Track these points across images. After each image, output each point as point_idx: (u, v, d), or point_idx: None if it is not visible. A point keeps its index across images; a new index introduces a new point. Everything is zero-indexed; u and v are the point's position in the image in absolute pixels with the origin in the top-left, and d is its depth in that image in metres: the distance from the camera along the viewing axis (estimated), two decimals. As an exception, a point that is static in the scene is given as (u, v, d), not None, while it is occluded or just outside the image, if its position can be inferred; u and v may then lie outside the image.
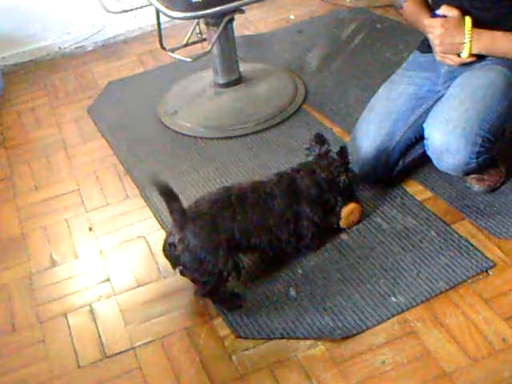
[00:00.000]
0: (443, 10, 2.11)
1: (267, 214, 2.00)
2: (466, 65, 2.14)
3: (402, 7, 2.34)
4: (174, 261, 1.98)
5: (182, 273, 2.05)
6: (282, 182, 2.07)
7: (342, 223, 2.20)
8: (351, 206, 2.19)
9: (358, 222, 2.24)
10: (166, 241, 1.99)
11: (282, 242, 2.06)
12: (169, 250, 1.96)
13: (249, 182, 2.09)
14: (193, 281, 1.99)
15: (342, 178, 2.10)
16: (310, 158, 2.15)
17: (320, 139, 2.15)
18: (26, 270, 2.29)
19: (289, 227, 2.05)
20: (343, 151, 2.13)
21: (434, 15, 2.16)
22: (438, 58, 2.17)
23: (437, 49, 2.13)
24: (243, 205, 1.97)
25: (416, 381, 1.72)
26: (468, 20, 2.06)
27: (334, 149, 2.15)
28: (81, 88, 3.48)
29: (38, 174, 2.81)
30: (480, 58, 2.12)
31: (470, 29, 2.05)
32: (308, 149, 2.17)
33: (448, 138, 2.04)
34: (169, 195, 1.87)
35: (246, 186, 2.05)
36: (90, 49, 3.88)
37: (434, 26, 2.10)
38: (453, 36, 2.07)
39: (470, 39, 2.06)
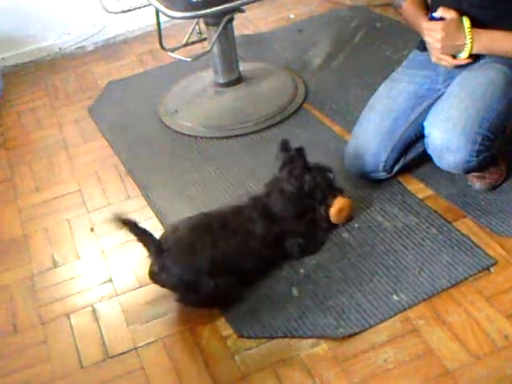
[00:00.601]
0: (440, 12, 2.10)
1: (249, 238, 2.02)
2: (464, 64, 2.14)
3: (400, 6, 2.34)
4: (162, 287, 2.02)
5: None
6: (257, 206, 2.08)
7: (334, 219, 2.20)
8: (340, 202, 2.18)
9: (350, 217, 2.24)
10: (150, 269, 2.00)
11: (267, 263, 2.08)
12: (154, 277, 2.00)
13: (228, 207, 2.11)
14: (188, 304, 2.03)
15: (307, 180, 2.09)
16: (279, 167, 2.15)
17: (283, 146, 2.16)
18: (28, 271, 2.29)
19: (273, 249, 2.07)
20: (300, 152, 2.12)
21: (431, 18, 2.15)
22: (433, 59, 2.17)
23: (438, 52, 2.12)
24: (225, 230, 2.00)
25: (418, 379, 1.72)
26: (466, 20, 2.06)
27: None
28: (81, 88, 3.48)
29: (38, 175, 2.81)
30: (478, 57, 2.12)
31: (469, 29, 2.05)
32: (276, 156, 2.17)
33: (448, 137, 2.04)
34: (137, 230, 1.92)
35: (226, 211, 2.07)
36: (90, 49, 3.88)
37: (435, 30, 2.09)
38: (454, 39, 2.07)
39: (470, 40, 2.06)
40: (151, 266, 1.99)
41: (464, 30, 2.06)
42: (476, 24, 2.06)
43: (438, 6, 2.13)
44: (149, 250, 1.95)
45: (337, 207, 2.18)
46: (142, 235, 1.94)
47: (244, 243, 2.01)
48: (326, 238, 2.20)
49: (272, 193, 2.11)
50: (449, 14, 2.08)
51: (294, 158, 2.12)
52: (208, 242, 1.96)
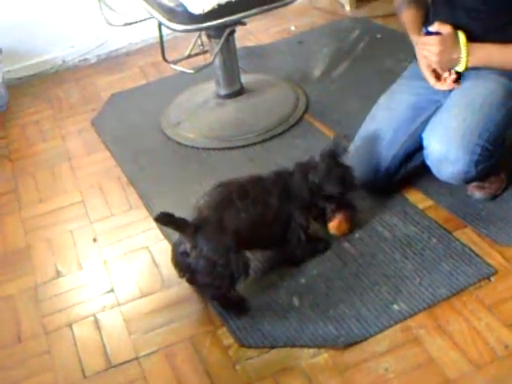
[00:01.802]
0: (436, 26, 2.11)
1: (266, 210, 2.04)
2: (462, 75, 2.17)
3: (401, 12, 2.36)
4: (185, 269, 2.01)
5: (189, 281, 2.08)
6: (278, 181, 2.09)
7: (335, 231, 2.21)
8: (342, 214, 2.19)
9: (351, 230, 2.25)
10: (175, 250, 2.01)
11: (277, 239, 2.10)
12: (181, 258, 1.99)
13: (247, 177, 2.12)
14: (205, 286, 2.00)
15: (328, 186, 2.10)
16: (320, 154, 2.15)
17: (339, 138, 2.19)
18: (31, 282, 2.30)
19: (282, 227, 2.08)
20: (347, 168, 2.15)
21: (427, 32, 2.16)
22: (424, 74, 2.20)
23: (435, 65, 2.14)
24: (245, 201, 2.00)
25: (419, 388, 1.73)
26: (461, 35, 2.08)
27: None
28: (84, 100, 3.50)
29: (42, 186, 2.83)
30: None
31: (465, 44, 2.07)
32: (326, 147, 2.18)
33: (447, 148, 2.05)
34: (171, 220, 1.92)
35: (246, 181, 2.08)
36: (93, 61, 3.91)
37: (432, 44, 2.10)
38: (450, 52, 2.09)
39: (466, 54, 2.07)
40: (175, 247, 2.01)
41: (459, 44, 2.07)
42: (471, 37, 2.08)
43: (436, 18, 2.15)
44: (182, 231, 1.96)
45: (335, 222, 2.19)
46: (180, 224, 1.94)
47: (262, 213, 2.03)
48: (323, 248, 2.21)
49: (295, 173, 2.12)
50: (445, 29, 2.09)
51: (338, 155, 2.13)
52: (232, 216, 1.97)
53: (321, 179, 2.09)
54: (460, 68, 2.11)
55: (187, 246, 1.95)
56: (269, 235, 2.09)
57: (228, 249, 1.94)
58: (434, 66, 2.14)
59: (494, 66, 2.12)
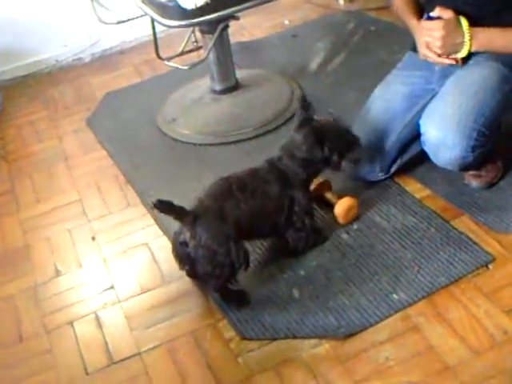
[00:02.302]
0: (438, 11, 2.11)
1: (266, 200, 2.05)
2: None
3: (392, 4, 2.37)
4: (185, 259, 2.02)
5: (189, 273, 2.09)
6: (272, 169, 2.10)
7: (342, 220, 2.24)
8: (348, 202, 2.23)
9: (357, 217, 2.27)
10: (175, 241, 2.03)
11: (279, 228, 2.11)
12: (180, 248, 2.00)
13: (244, 170, 2.13)
14: (205, 276, 2.01)
15: (316, 152, 2.05)
16: (294, 125, 2.15)
17: (303, 103, 2.15)
18: (31, 281, 2.31)
19: (284, 211, 2.08)
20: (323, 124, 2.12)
21: (428, 17, 2.16)
22: (422, 56, 2.20)
23: (439, 50, 2.12)
24: (244, 192, 2.02)
25: (420, 375, 1.74)
26: (463, 19, 2.08)
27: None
28: (79, 100, 3.50)
29: (39, 186, 2.83)
30: (470, 54, 2.14)
31: (467, 28, 2.07)
32: (295, 114, 2.19)
33: (444, 133, 2.06)
34: (169, 208, 1.92)
35: (244, 174, 2.10)
36: (87, 60, 3.91)
37: (435, 29, 2.09)
38: (454, 37, 2.08)
39: (468, 38, 2.07)
40: (175, 237, 2.02)
41: (462, 29, 2.07)
42: (471, 21, 2.08)
43: (432, 5, 2.15)
44: (181, 220, 1.96)
45: (344, 208, 2.22)
46: (178, 212, 1.94)
47: (262, 204, 2.04)
48: (322, 239, 2.23)
49: (283, 157, 2.12)
50: (446, 14, 2.09)
51: (311, 119, 2.12)
52: (232, 206, 1.99)
53: (306, 149, 2.06)
54: (462, 53, 2.11)
55: (186, 236, 1.96)
56: (271, 225, 2.10)
57: (228, 238, 1.95)
58: (438, 51, 2.12)
59: (495, 50, 2.11)
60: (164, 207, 1.92)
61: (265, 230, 2.12)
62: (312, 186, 2.25)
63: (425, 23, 2.16)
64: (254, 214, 2.02)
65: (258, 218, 2.04)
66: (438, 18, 2.11)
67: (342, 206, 2.24)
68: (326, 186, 2.34)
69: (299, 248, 2.17)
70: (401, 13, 2.33)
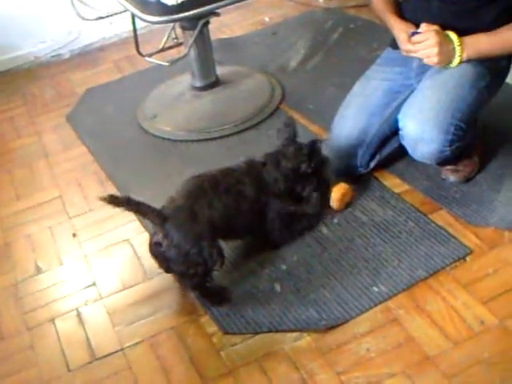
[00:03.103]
0: (424, 27, 2.08)
1: (240, 199, 2.05)
2: None
3: (370, 1, 2.38)
4: (161, 259, 2.02)
5: (167, 270, 2.09)
6: (250, 172, 2.10)
7: (337, 206, 2.26)
8: (343, 188, 2.25)
9: (349, 203, 2.30)
10: (150, 241, 2.02)
11: (254, 227, 2.12)
12: (155, 248, 2.00)
13: (218, 169, 2.12)
14: (180, 275, 2.02)
15: (304, 166, 2.10)
16: (278, 142, 2.16)
17: (288, 123, 2.17)
18: (12, 279, 2.30)
19: (259, 215, 2.10)
20: (313, 144, 2.15)
21: (414, 33, 2.11)
22: (405, 51, 2.18)
23: (436, 59, 2.07)
24: (217, 191, 2.01)
25: (400, 366, 1.76)
26: (450, 32, 2.07)
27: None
28: (59, 96, 3.49)
29: (19, 183, 2.82)
30: None
31: (455, 36, 2.06)
32: (278, 131, 2.20)
33: (422, 128, 2.08)
34: (133, 205, 1.92)
35: (216, 172, 2.09)
36: (66, 57, 3.89)
37: (428, 38, 2.05)
38: (447, 43, 2.07)
39: (458, 45, 2.07)
40: (151, 238, 2.01)
41: (450, 38, 2.07)
42: (444, 22, 2.08)
43: (409, 12, 2.18)
44: (150, 219, 1.96)
45: (340, 193, 2.25)
46: (140, 208, 1.93)
47: (236, 203, 2.03)
48: (304, 228, 2.24)
49: (268, 164, 2.12)
50: (432, 27, 2.06)
51: (295, 137, 2.14)
52: (205, 204, 1.98)
53: (295, 163, 2.09)
54: (455, 62, 2.10)
55: (159, 236, 1.96)
56: (245, 224, 2.10)
57: (200, 237, 1.94)
58: (435, 60, 2.08)
59: (485, 54, 2.10)
60: (113, 202, 1.89)
61: (240, 230, 2.12)
62: None
63: (415, 37, 2.10)
64: (227, 213, 2.01)
65: (232, 217, 2.03)
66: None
67: (337, 192, 2.26)
68: None
69: (279, 244, 2.20)
70: (379, 10, 2.33)
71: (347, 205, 2.30)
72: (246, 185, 2.07)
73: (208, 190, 2.01)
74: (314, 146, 2.14)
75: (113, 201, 1.89)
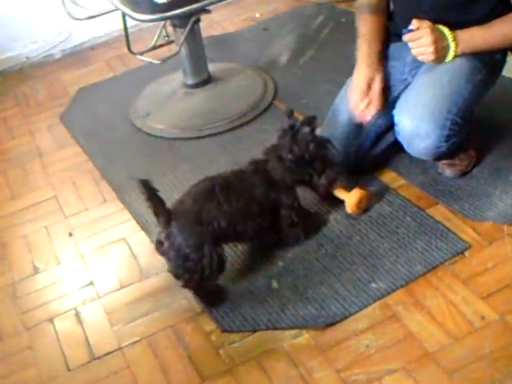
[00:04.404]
0: (415, 23, 2.07)
1: (251, 202, 2.02)
2: None
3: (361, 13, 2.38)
4: (163, 256, 2.01)
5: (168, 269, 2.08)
6: (258, 172, 2.08)
7: (353, 211, 2.23)
8: (360, 193, 2.22)
9: (367, 208, 2.27)
10: (156, 238, 2.01)
11: (264, 231, 2.09)
12: (157, 246, 1.99)
13: (230, 171, 2.09)
14: (175, 276, 2.01)
15: (311, 150, 2.06)
16: (278, 134, 2.13)
17: (288, 112, 2.14)
18: (9, 279, 2.29)
19: (269, 216, 2.08)
20: (310, 120, 2.11)
21: (408, 31, 2.10)
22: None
23: (432, 56, 2.07)
24: (228, 194, 1.98)
25: (400, 362, 1.76)
26: (441, 26, 2.07)
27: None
28: (51, 96, 3.48)
29: (14, 184, 2.82)
30: None
31: (448, 31, 2.06)
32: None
33: (418, 123, 2.08)
34: (151, 193, 1.89)
35: (229, 175, 2.07)
36: (57, 57, 3.88)
37: (423, 35, 2.05)
38: (442, 39, 2.06)
39: (452, 39, 2.06)
40: (158, 235, 1.99)
41: (443, 32, 2.06)
42: (435, 17, 2.07)
43: (401, 18, 2.18)
44: (158, 216, 1.94)
45: (356, 198, 2.22)
46: (156, 203, 1.91)
47: (246, 208, 2.00)
48: (319, 223, 2.23)
49: (270, 160, 2.10)
50: (424, 23, 2.05)
51: (295, 126, 2.09)
52: (213, 208, 1.95)
53: (297, 151, 2.06)
54: (449, 56, 2.10)
55: (162, 235, 1.95)
56: (255, 227, 2.06)
57: (202, 243, 1.92)
58: (431, 57, 2.07)
59: (479, 47, 2.10)
60: (147, 190, 1.87)
61: (247, 234, 2.06)
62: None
63: (409, 35, 2.09)
64: (236, 217, 1.98)
65: (242, 221, 2.00)
66: (418, 29, 2.08)
67: (353, 197, 2.22)
68: None
69: (298, 242, 2.18)
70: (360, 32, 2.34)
71: (365, 210, 2.26)
72: (257, 187, 2.04)
73: (218, 194, 1.98)
74: (309, 127, 2.09)
75: (145, 186, 1.87)
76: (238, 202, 1.99)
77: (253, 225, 2.04)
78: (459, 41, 2.08)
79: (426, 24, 2.05)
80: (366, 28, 2.33)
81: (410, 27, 2.09)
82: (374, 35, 2.31)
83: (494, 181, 2.30)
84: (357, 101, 2.25)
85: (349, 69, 2.54)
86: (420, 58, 2.11)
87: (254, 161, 2.13)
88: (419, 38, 2.06)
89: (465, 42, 2.08)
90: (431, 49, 2.05)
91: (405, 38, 2.10)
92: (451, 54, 2.10)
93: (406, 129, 2.11)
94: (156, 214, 1.94)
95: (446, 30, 2.07)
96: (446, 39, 2.07)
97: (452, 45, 2.08)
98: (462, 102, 2.10)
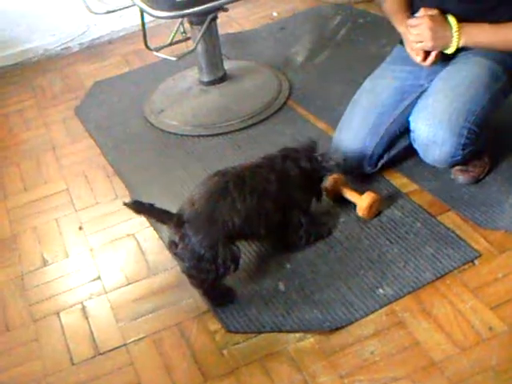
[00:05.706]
0: (422, 11, 2.10)
1: (264, 198, 2.00)
2: (447, 58, 2.17)
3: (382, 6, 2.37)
4: (176, 257, 2.01)
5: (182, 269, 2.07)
6: (274, 168, 2.06)
7: (364, 215, 2.22)
8: (371, 197, 2.21)
9: (378, 212, 2.26)
10: (169, 241, 2.00)
11: (275, 228, 2.08)
12: (170, 247, 1.98)
13: (244, 165, 2.07)
14: (189, 276, 2.00)
15: (326, 167, 2.12)
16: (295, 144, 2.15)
17: (313, 143, 2.16)
18: (18, 271, 2.31)
19: (281, 214, 2.06)
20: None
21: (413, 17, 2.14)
22: (409, 50, 2.19)
23: (429, 44, 2.09)
24: (242, 190, 1.95)
25: (405, 370, 1.75)
26: (450, 16, 2.07)
27: (321, 146, 2.18)
28: (67, 89, 3.49)
29: (27, 175, 2.83)
30: (459, 50, 2.13)
31: (455, 22, 2.06)
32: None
33: (434, 131, 2.06)
34: (147, 209, 1.91)
35: (243, 170, 2.04)
36: (75, 50, 3.90)
37: (422, 22, 2.07)
38: (443, 29, 2.06)
39: (456, 31, 2.06)
40: (170, 237, 1.98)
41: (449, 24, 2.07)
42: (462, 20, 2.07)
43: (420, 6, 2.15)
44: (169, 225, 1.93)
45: (367, 202, 2.21)
46: (158, 216, 1.93)
47: (260, 203, 1.98)
48: (326, 232, 2.22)
49: (288, 159, 2.09)
50: (431, 12, 2.08)
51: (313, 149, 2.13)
52: (227, 206, 1.92)
53: (316, 162, 2.10)
54: (452, 48, 2.10)
55: (176, 237, 1.94)
56: (267, 224, 2.04)
57: (216, 242, 1.90)
58: (429, 44, 2.10)
59: (483, 45, 2.10)
60: (138, 208, 1.89)
61: (260, 231, 2.04)
62: (327, 183, 2.27)
63: (410, 20, 2.13)
64: (251, 214, 1.96)
65: (255, 218, 1.98)
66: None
67: (364, 200, 2.21)
68: (340, 181, 2.32)
69: (301, 244, 2.16)
70: (391, 12, 2.32)
71: (376, 215, 2.25)
72: (271, 183, 2.02)
73: (232, 191, 1.95)
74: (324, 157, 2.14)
75: (137, 207, 1.89)
76: (252, 199, 1.97)
77: (267, 221, 2.02)
78: (463, 33, 2.07)
79: (431, 11, 2.06)
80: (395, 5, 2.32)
81: (416, 15, 2.12)
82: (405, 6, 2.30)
83: (508, 189, 2.27)
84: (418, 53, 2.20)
85: (365, 70, 2.53)
86: (419, 45, 2.12)
87: (269, 157, 2.11)
88: (420, 25, 2.07)
89: (469, 36, 2.08)
90: (428, 36, 2.06)
91: (407, 22, 2.12)
92: (454, 44, 2.09)
93: (423, 136, 2.10)
94: (163, 223, 1.95)
95: (453, 21, 2.06)
96: (451, 29, 2.06)
97: (455, 36, 2.07)
98: (480, 111, 2.08)
